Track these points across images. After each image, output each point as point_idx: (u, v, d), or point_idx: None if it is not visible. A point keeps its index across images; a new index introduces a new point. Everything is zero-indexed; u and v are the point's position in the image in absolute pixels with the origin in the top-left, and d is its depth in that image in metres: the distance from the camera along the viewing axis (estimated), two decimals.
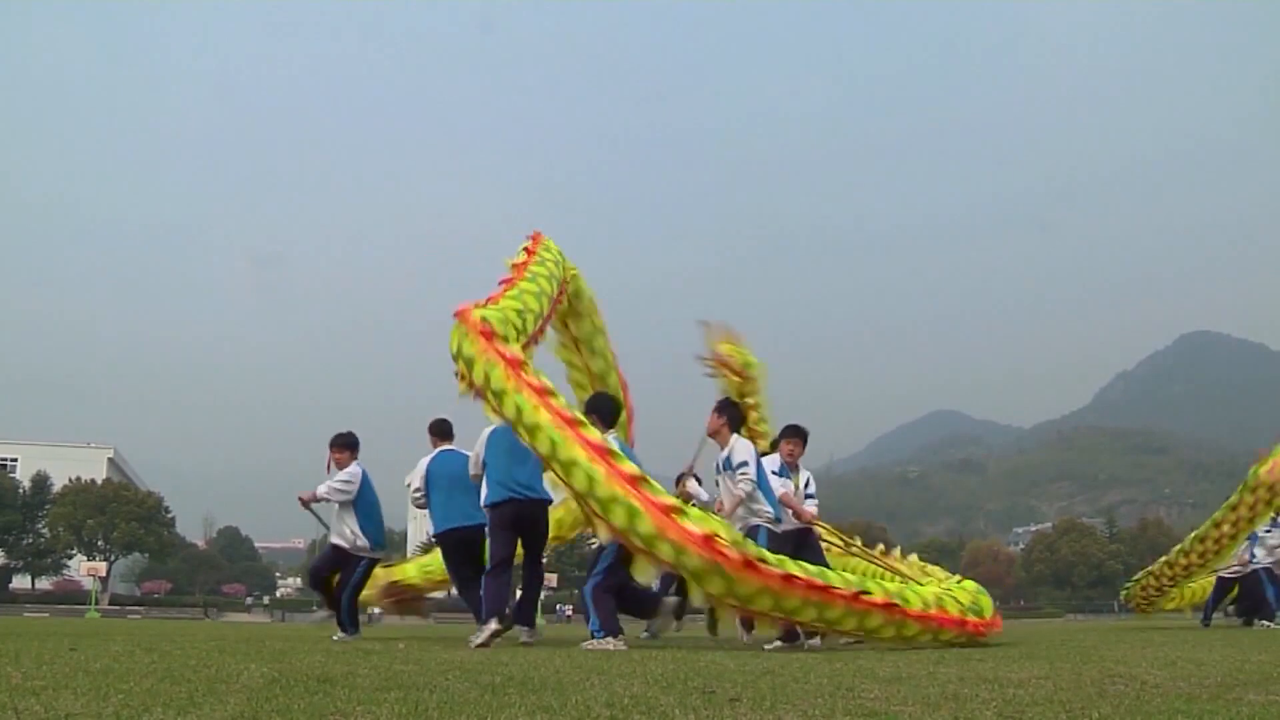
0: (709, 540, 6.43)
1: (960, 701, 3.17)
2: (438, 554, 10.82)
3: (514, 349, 7.59)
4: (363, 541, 9.40)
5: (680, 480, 9.25)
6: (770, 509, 8.20)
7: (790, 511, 8.91)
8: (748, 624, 8.76)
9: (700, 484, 9.37)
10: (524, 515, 7.99)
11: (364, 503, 9.49)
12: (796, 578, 6.61)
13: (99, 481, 71.10)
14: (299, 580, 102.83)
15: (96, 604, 51.70)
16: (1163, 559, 16.65)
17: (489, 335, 7.53)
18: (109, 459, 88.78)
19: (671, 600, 8.70)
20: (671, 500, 6.77)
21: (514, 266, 9.10)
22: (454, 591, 10.01)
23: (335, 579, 9.60)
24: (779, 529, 8.26)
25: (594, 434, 7.11)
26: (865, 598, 6.85)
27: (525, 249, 9.51)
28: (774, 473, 8.86)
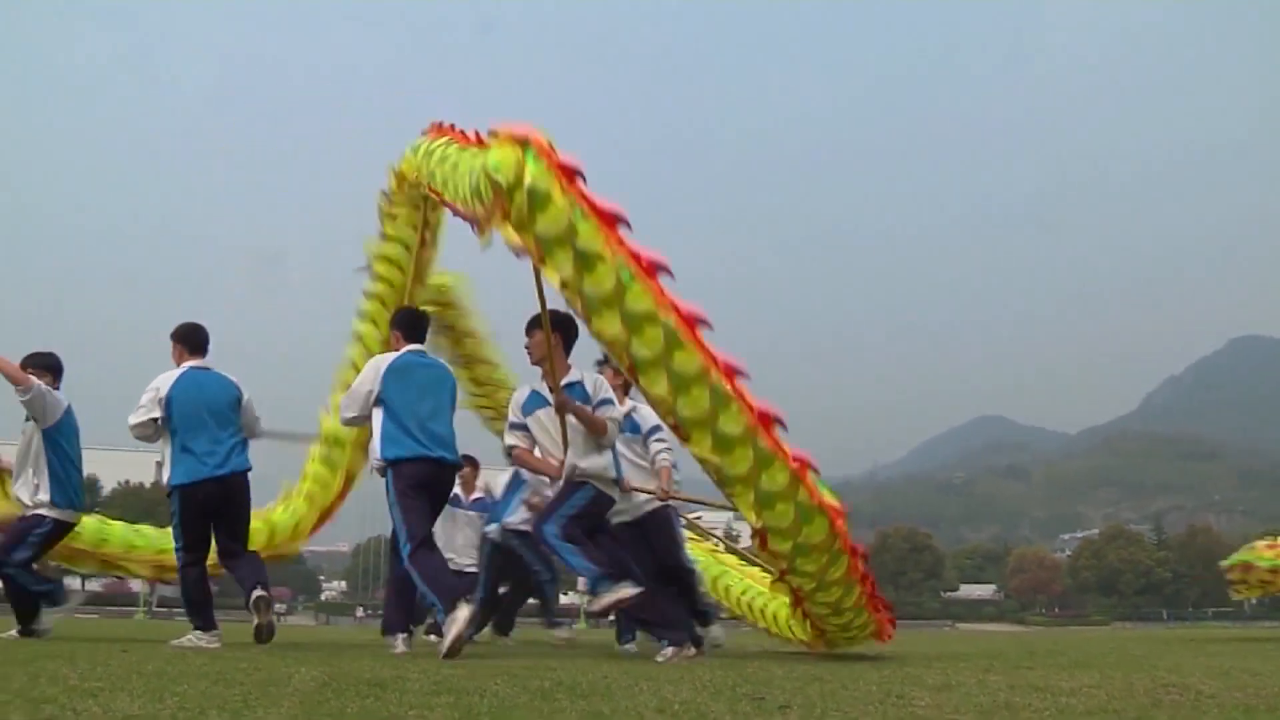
0: (840, 517, 5.48)
1: (1014, 710, 3.15)
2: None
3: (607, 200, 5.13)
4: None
5: None
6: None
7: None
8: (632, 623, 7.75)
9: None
10: (442, 481, 6.33)
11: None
12: (869, 577, 5.93)
13: (147, 485, 71.85)
14: (343, 584, 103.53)
15: (145, 606, 52.25)
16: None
17: (571, 174, 5.02)
18: (156, 462, 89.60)
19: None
20: (805, 455, 5.40)
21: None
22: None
23: None
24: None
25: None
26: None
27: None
28: None
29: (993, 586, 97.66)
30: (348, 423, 6.59)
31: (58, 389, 7.38)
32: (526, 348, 6.43)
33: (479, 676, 4.05)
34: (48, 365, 7.40)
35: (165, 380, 6.75)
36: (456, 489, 7.98)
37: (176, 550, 6.77)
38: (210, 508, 6.71)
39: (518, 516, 8.86)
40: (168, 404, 6.66)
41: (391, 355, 6.44)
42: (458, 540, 9.72)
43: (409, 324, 6.67)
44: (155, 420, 6.67)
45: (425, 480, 6.11)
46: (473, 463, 9.93)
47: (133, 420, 6.69)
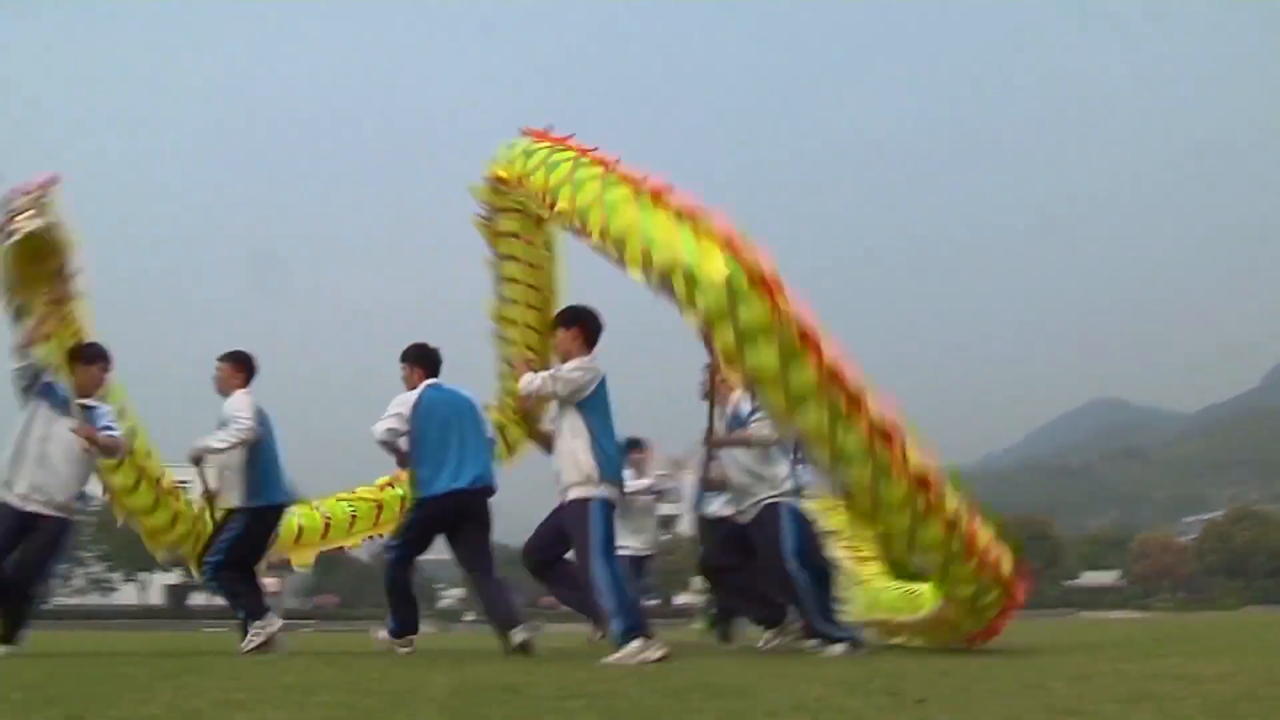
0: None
1: (1158, 699, 3.07)
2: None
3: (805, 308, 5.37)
4: None
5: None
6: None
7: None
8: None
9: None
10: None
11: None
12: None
13: None
14: (460, 590, 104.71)
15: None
16: None
17: (775, 287, 5.24)
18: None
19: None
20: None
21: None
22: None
23: None
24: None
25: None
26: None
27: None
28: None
29: (1116, 573, 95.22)
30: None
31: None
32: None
33: (607, 680, 4.07)
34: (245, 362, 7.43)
35: (409, 397, 6.80)
36: (627, 471, 7.62)
37: (394, 548, 6.91)
38: (447, 521, 6.76)
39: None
40: (414, 418, 6.71)
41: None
42: (630, 524, 9.04)
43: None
44: (399, 432, 6.72)
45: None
46: (642, 445, 9.57)
47: (380, 428, 6.73)
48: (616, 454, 6.01)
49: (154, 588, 69.71)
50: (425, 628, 7.98)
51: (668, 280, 5.42)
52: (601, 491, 5.68)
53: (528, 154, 6.81)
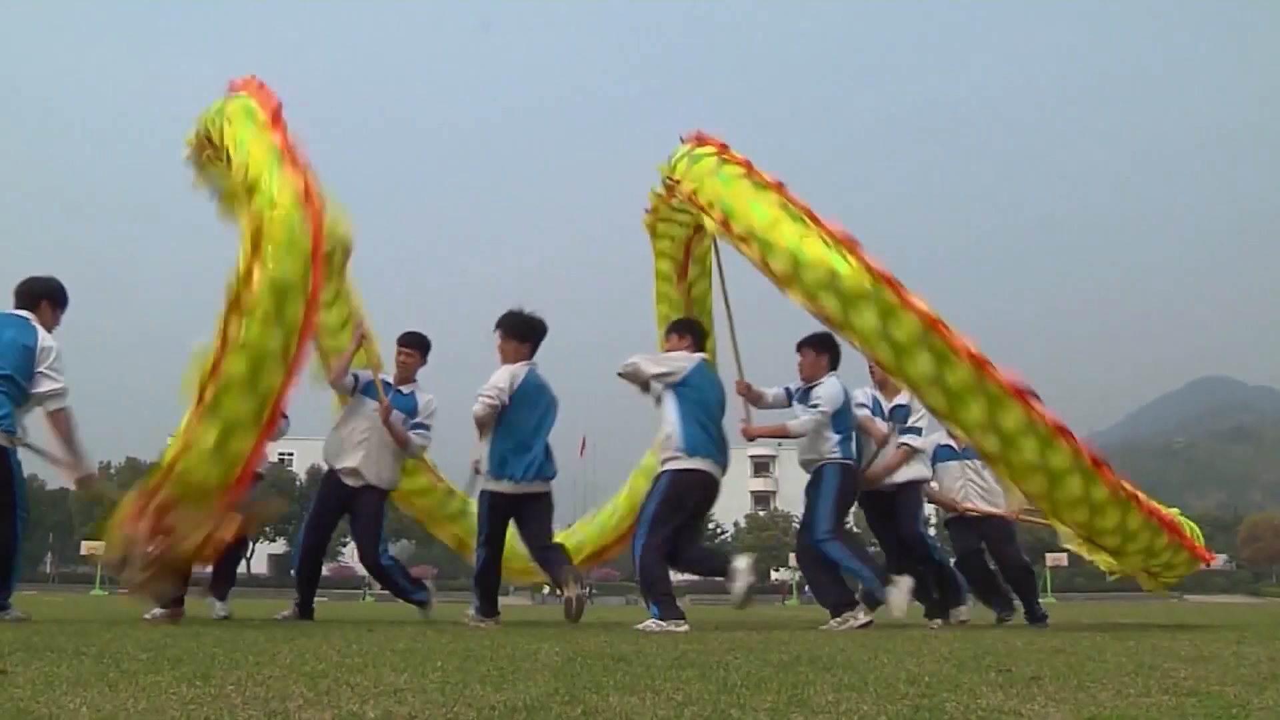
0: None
1: None
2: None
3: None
4: None
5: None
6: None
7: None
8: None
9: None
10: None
11: None
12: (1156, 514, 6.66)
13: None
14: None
15: (370, 589, 54.48)
16: None
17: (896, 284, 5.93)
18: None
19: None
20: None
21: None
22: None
23: None
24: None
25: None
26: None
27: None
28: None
29: (1224, 556, 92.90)
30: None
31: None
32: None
33: (716, 651, 4.09)
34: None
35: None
36: None
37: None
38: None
39: None
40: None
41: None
42: None
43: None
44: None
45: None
46: None
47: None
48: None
49: (258, 558, 71.45)
50: (518, 600, 8.04)
51: (816, 299, 5.92)
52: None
53: (692, 159, 6.84)
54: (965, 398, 5.83)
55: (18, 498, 6.14)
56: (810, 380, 7.18)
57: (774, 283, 6.08)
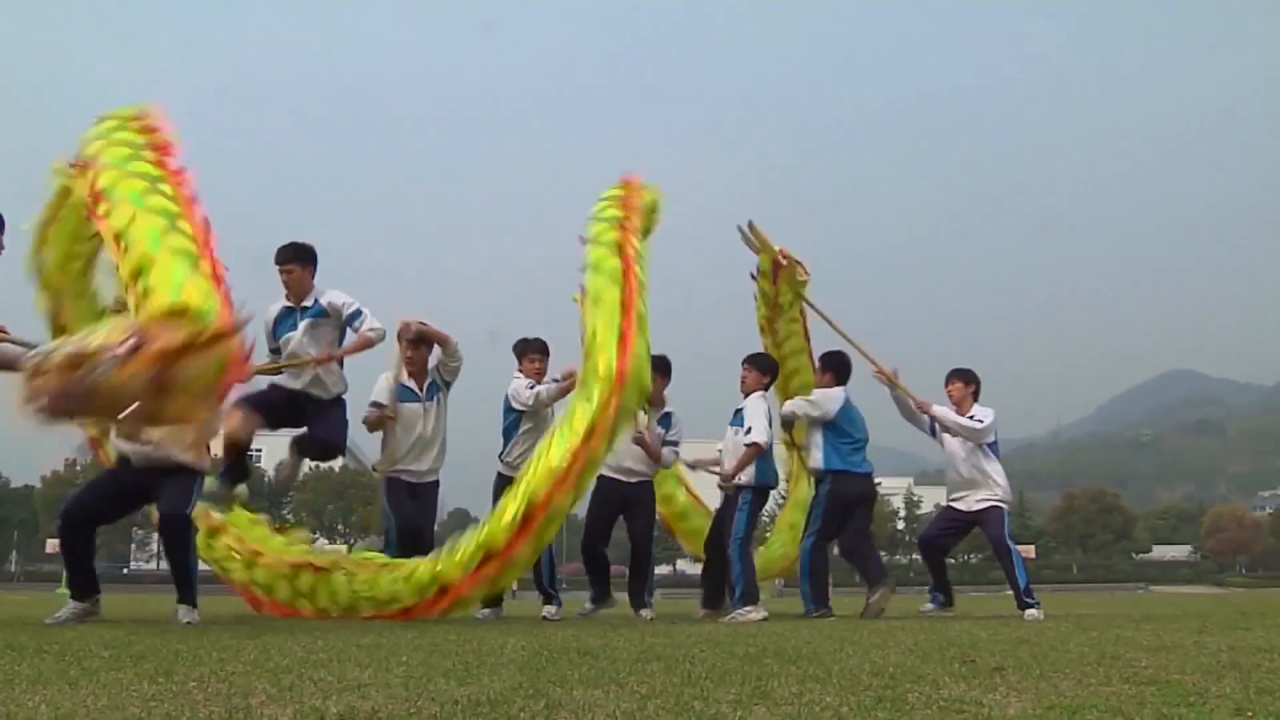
0: None
1: (1244, 671, 3.03)
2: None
3: None
4: None
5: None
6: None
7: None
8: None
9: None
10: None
11: None
12: None
13: (337, 469, 74.57)
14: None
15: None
16: None
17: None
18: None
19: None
20: None
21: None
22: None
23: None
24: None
25: None
26: None
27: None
28: None
29: (1188, 547, 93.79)
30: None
31: None
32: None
33: (683, 644, 4.10)
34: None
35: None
36: None
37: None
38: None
39: None
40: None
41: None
42: None
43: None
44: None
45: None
46: None
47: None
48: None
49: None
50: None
51: None
52: None
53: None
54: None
55: None
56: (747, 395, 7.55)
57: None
